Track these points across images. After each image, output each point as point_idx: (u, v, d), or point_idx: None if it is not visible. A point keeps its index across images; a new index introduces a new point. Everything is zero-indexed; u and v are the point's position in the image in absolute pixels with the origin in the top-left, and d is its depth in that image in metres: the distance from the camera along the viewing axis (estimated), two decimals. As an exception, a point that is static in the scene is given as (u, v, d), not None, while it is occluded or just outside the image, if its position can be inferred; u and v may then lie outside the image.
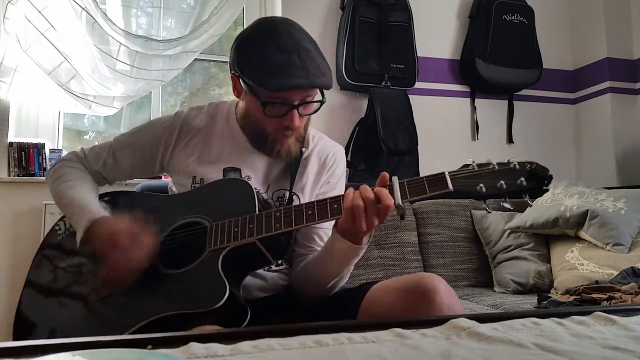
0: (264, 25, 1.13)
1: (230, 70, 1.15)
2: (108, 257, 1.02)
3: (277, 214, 0.98)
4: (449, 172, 0.92)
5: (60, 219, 1.21)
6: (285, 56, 1.05)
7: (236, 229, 0.99)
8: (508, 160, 0.91)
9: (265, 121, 1.11)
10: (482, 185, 0.90)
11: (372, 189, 0.94)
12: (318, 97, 1.13)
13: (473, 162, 0.93)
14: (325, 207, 0.96)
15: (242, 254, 1.00)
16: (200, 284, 0.98)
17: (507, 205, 0.92)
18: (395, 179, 0.95)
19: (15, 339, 1.08)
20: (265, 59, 1.06)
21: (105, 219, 1.07)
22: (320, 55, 1.11)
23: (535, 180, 0.89)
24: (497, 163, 0.91)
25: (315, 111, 1.14)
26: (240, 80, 1.12)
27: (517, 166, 0.90)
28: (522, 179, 0.89)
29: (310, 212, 0.96)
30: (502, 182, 0.89)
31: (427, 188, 0.92)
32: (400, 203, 0.91)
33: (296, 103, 1.08)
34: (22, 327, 1.12)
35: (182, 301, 0.98)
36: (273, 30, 1.09)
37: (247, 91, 1.12)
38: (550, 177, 0.89)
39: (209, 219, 1.05)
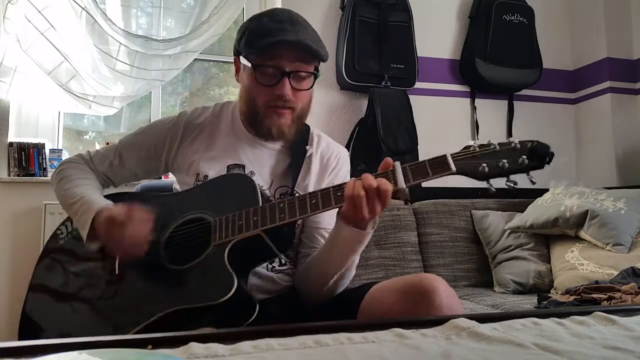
0: (263, 10, 1.20)
1: (233, 56, 1.20)
2: (113, 238, 1.03)
3: (281, 205, 0.98)
4: (450, 154, 0.91)
5: (62, 223, 1.22)
6: (277, 24, 1.11)
7: (240, 222, 0.99)
8: (509, 139, 0.90)
9: (257, 92, 1.12)
10: (484, 165, 0.89)
11: (374, 176, 0.94)
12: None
13: (474, 143, 0.92)
14: (329, 196, 0.96)
15: (247, 248, 1.00)
16: (207, 277, 0.98)
17: (510, 184, 0.91)
18: (397, 163, 0.94)
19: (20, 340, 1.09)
20: (259, 26, 1.12)
21: (106, 208, 1.08)
22: (317, 35, 1.14)
23: (537, 158, 0.88)
24: (498, 143, 0.91)
25: (310, 87, 1.15)
26: (240, 58, 1.15)
27: (518, 145, 0.89)
28: (524, 157, 0.87)
29: (314, 201, 0.96)
30: (504, 161, 0.88)
31: (429, 170, 0.91)
32: (404, 186, 0.91)
33: (287, 70, 1.09)
34: (27, 330, 1.12)
35: (190, 296, 0.97)
36: (271, 10, 1.16)
37: (243, 66, 1.15)
38: (552, 155, 0.88)
39: (212, 214, 1.05)
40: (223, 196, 1.08)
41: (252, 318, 0.95)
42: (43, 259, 1.19)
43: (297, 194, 1.14)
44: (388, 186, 0.91)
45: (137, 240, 1.02)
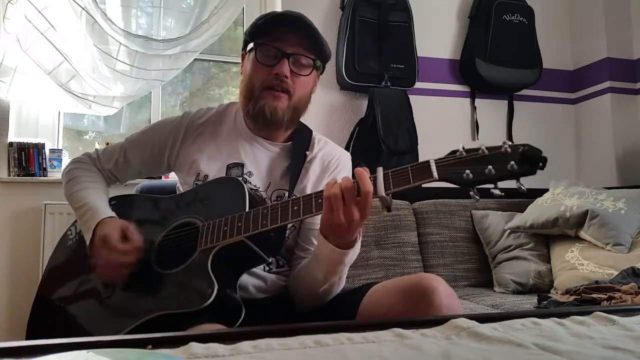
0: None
1: (241, 52, 1.23)
2: (98, 257, 1.05)
3: (265, 211, 0.97)
4: (435, 160, 0.85)
5: (73, 224, 1.24)
6: (285, 12, 1.17)
7: (225, 228, 0.99)
8: (502, 142, 0.82)
9: (256, 72, 1.14)
10: (468, 171, 0.82)
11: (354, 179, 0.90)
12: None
13: (462, 147, 0.85)
14: (310, 202, 0.94)
15: (234, 253, 1.00)
16: (190, 283, 0.99)
17: (496, 192, 0.83)
18: (379, 169, 0.90)
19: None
20: (268, 13, 1.17)
21: (107, 221, 1.09)
22: (322, 37, 1.16)
23: (528, 163, 0.80)
24: (486, 147, 0.83)
25: (309, 74, 1.16)
26: (246, 49, 1.19)
27: (509, 149, 0.81)
28: (513, 162, 0.80)
29: (295, 207, 0.95)
30: (490, 167, 0.81)
31: (411, 178, 0.86)
32: (384, 194, 0.87)
33: (288, 51, 1.12)
34: (36, 330, 1.13)
35: (173, 301, 0.98)
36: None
37: (247, 55, 1.18)
38: (545, 159, 0.79)
39: (202, 218, 1.06)
40: (215, 200, 1.08)
41: (239, 322, 0.95)
42: (53, 259, 1.22)
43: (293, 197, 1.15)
44: (368, 188, 0.87)
45: (112, 274, 1.04)
